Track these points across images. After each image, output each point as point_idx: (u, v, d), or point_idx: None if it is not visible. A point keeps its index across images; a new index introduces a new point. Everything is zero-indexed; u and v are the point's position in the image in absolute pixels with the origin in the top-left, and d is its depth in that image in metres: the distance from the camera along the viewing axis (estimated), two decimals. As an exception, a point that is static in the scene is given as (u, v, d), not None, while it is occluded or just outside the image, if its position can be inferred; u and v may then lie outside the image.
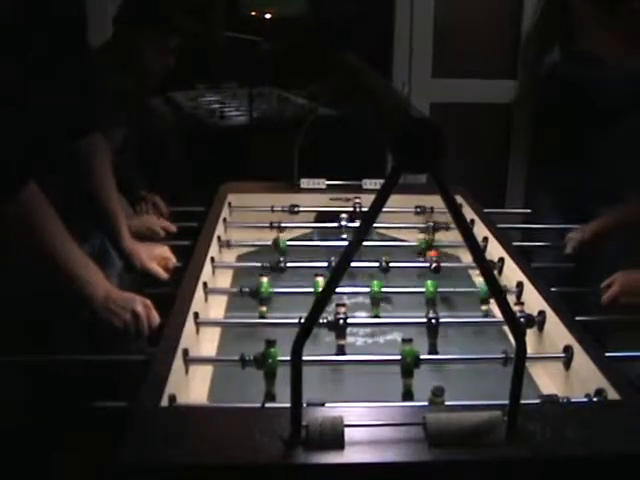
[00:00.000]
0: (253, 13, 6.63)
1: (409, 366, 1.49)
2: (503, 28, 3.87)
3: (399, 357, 1.50)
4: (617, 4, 1.82)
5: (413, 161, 1.05)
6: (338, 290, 1.71)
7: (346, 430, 1.17)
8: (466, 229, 1.12)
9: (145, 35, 2.58)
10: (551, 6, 3.52)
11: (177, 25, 2.66)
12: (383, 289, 1.88)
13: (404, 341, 1.53)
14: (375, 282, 1.88)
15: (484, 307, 1.88)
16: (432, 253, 2.13)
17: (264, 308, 1.85)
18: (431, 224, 2.32)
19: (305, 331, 1.11)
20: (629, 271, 1.99)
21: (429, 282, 1.89)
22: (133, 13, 2.61)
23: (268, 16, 6.48)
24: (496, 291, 1.16)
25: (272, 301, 1.88)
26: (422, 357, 1.51)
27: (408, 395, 1.49)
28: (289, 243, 2.20)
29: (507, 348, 1.56)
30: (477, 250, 1.14)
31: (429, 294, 1.86)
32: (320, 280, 1.84)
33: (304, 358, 1.12)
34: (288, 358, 1.13)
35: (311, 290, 1.83)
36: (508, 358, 1.52)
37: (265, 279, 1.87)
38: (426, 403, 1.38)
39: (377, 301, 1.87)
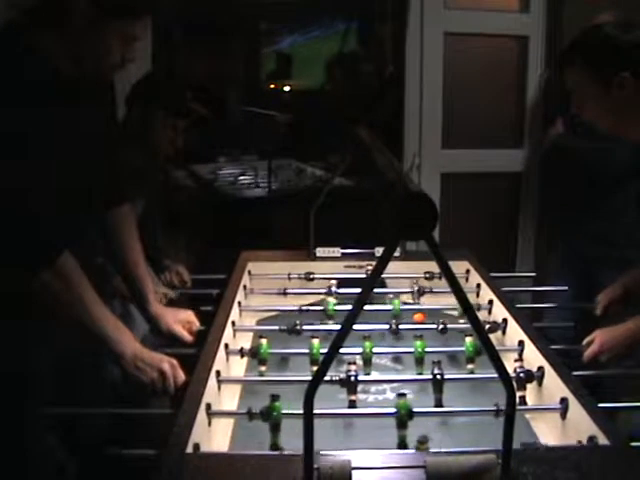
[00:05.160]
0: (272, 86, 6.87)
1: (403, 418, 1.58)
2: (509, 99, 4.00)
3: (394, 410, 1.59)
4: (609, 78, 1.96)
5: (410, 230, 1.19)
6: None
7: (354, 473, 1.28)
8: (458, 291, 1.24)
9: (153, 116, 2.69)
10: (551, 82, 3.70)
11: (185, 109, 2.76)
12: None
13: (399, 395, 1.63)
14: (367, 343, 1.98)
15: (470, 366, 1.96)
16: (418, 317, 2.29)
17: (263, 368, 1.96)
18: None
19: (314, 385, 1.22)
20: (608, 328, 2.03)
21: (418, 342, 1.98)
22: (142, 95, 2.72)
23: (287, 89, 6.72)
24: (489, 350, 1.25)
25: (290, 361, 2.03)
26: (415, 410, 1.59)
27: (402, 445, 1.56)
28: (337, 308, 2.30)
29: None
30: (470, 312, 1.25)
31: (418, 354, 1.96)
32: (315, 342, 1.96)
33: (318, 411, 1.23)
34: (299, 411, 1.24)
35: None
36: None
37: (264, 341, 1.98)
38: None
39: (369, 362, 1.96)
